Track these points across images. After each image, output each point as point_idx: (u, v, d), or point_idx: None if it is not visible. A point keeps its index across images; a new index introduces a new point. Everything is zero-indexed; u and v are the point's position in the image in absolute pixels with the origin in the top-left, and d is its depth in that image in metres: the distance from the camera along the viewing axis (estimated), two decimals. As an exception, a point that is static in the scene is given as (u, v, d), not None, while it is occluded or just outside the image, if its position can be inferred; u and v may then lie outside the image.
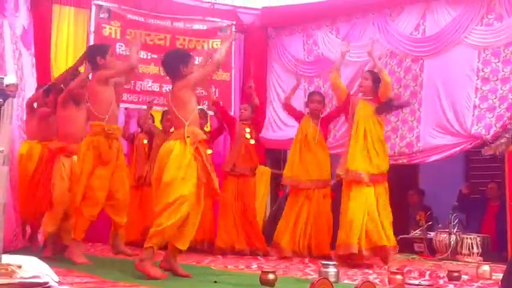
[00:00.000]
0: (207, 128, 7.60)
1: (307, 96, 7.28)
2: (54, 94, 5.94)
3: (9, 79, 1.48)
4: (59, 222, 5.50)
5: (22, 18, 6.77)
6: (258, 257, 6.47)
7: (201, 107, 7.05)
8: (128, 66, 5.32)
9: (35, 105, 6.47)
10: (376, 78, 6.03)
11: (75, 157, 5.50)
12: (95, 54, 5.40)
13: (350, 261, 5.63)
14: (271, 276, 3.93)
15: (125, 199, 5.48)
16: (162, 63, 4.86)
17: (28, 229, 6.36)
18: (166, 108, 6.76)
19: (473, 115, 6.98)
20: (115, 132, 5.36)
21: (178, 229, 4.37)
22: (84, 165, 5.22)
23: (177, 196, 4.31)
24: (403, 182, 8.31)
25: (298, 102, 8.11)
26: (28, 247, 5.87)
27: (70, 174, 5.53)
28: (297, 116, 7.01)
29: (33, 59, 7.52)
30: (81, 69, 5.91)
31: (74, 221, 5.31)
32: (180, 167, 4.38)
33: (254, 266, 5.48)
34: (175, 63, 4.63)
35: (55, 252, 5.47)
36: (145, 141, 7.56)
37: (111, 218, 5.56)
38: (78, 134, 5.58)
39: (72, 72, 5.89)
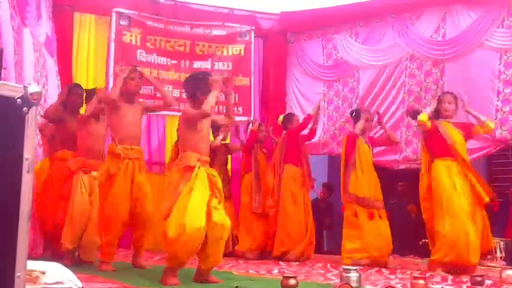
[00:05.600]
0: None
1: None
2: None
3: (33, 87, 1.50)
4: (78, 240, 5.51)
5: (45, 26, 6.82)
6: (280, 262, 6.46)
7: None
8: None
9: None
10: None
11: (93, 173, 5.53)
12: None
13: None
14: (292, 282, 3.91)
15: (143, 219, 5.35)
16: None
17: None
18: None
19: (496, 118, 6.91)
20: (126, 152, 5.22)
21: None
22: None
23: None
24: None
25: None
26: (49, 254, 5.87)
27: (90, 189, 5.55)
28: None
29: (56, 67, 7.60)
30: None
31: (90, 239, 5.42)
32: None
33: (275, 271, 5.46)
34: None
35: (74, 262, 5.48)
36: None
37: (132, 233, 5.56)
38: (97, 149, 5.61)
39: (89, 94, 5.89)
